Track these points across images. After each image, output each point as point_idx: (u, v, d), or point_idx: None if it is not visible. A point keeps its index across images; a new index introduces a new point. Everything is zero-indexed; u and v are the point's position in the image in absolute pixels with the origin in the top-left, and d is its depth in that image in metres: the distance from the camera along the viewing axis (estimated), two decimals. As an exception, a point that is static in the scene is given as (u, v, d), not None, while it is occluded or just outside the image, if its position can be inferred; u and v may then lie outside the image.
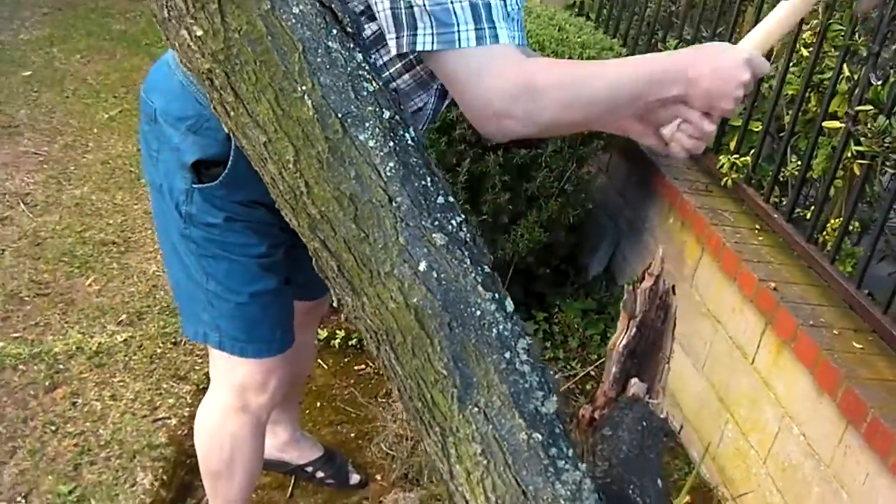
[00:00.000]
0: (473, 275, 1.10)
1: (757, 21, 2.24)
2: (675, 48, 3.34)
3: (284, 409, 2.46)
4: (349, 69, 1.07)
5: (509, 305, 1.13)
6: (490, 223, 3.02)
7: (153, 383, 2.89)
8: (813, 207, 2.77)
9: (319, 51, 1.09)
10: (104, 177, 4.24)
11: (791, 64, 2.85)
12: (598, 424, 1.43)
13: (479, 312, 1.09)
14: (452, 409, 1.10)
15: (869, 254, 2.44)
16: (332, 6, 1.13)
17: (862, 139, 2.42)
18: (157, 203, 1.79)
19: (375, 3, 1.33)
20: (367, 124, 1.07)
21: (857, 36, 2.57)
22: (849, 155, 2.52)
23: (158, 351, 3.05)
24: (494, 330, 1.10)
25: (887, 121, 2.36)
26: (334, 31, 1.11)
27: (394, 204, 1.07)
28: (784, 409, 2.50)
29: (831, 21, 2.63)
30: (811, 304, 2.53)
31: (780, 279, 2.63)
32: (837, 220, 2.69)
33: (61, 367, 2.89)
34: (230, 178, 1.64)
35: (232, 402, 1.95)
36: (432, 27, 1.29)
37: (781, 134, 2.92)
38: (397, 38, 1.32)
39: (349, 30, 1.14)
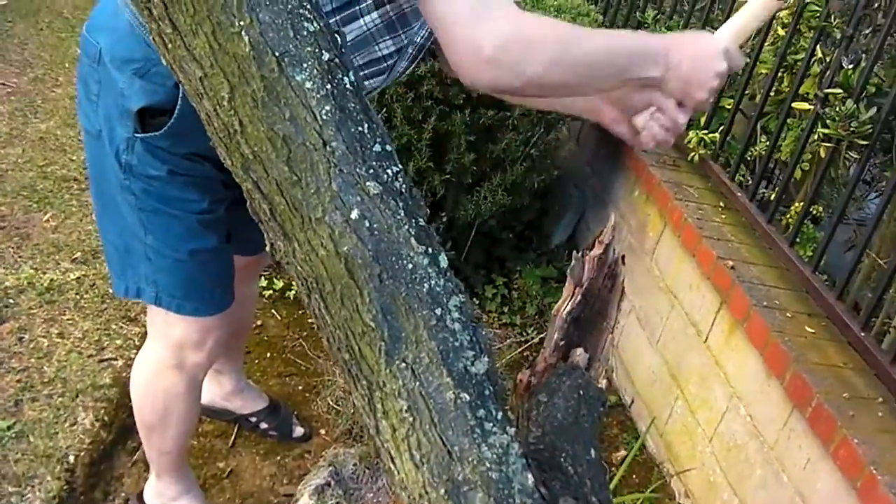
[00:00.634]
0: (407, 227, 1.06)
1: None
2: (654, 18, 3.32)
3: (229, 358, 2.43)
4: (289, 6, 1.03)
5: (443, 261, 1.10)
6: (454, 183, 2.99)
7: (102, 323, 2.85)
8: (777, 189, 2.76)
9: (260, -15, 1.05)
10: (71, 112, 4.12)
11: (766, 43, 2.83)
12: (535, 390, 1.42)
13: (410, 266, 1.06)
14: (380, 362, 1.07)
15: (827, 238, 2.43)
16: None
17: (829, 122, 2.40)
18: (93, 150, 1.72)
19: None
20: (304, 65, 1.03)
21: (832, 18, 2.55)
22: (815, 138, 2.51)
23: (111, 291, 2.98)
24: (426, 285, 1.07)
25: (855, 105, 2.34)
26: (278, -35, 1.07)
27: (328, 148, 1.03)
28: (733, 389, 2.50)
29: (808, 1, 2.60)
30: (767, 285, 2.52)
31: (739, 258, 2.62)
32: (801, 204, 2.68)
33: (11, 301, 2.84)
34: (175, 128, 1.58)
35: (167, 359, 1.91)
36: None
37: (753, 113, 2.91)
38: None
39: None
